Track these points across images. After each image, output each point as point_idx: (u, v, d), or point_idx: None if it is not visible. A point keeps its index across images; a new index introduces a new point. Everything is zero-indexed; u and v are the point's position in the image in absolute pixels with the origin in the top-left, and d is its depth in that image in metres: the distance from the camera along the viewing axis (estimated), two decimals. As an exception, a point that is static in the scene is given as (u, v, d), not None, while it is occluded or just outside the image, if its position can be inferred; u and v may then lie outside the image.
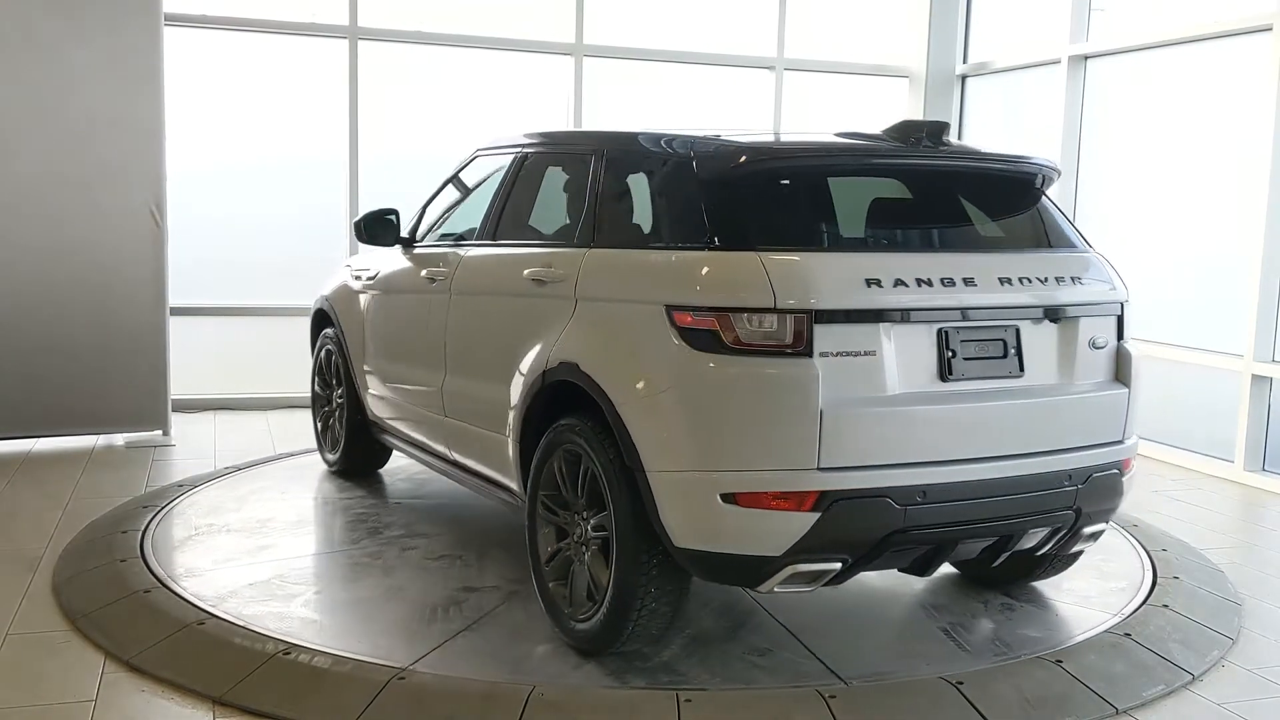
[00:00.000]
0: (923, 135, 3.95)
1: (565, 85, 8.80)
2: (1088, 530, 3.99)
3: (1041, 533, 3.89)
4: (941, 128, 4.02)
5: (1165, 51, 7.71)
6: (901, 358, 3.58)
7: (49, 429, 6.91)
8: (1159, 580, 4.79)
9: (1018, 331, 3.80)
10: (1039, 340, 3.85)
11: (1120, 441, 3.98)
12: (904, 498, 3.50)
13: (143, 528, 5.11)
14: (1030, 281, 3.83)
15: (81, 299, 6.85)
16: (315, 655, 3.81)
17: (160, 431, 7.13)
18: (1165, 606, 4.47)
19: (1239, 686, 3.90)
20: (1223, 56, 7.31)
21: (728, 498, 3.45)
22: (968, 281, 3.70)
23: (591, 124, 8.71)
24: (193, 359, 7.78)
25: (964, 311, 3.70)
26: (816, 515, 3.42)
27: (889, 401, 3.54)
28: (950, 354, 3.67)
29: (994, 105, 9.54)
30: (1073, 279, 3.96)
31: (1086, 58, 8.31)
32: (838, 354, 3.47)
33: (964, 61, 9.61)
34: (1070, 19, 8.32)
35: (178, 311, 7.35)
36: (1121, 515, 5.79)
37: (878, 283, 3.54)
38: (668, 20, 9.24)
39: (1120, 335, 4.07)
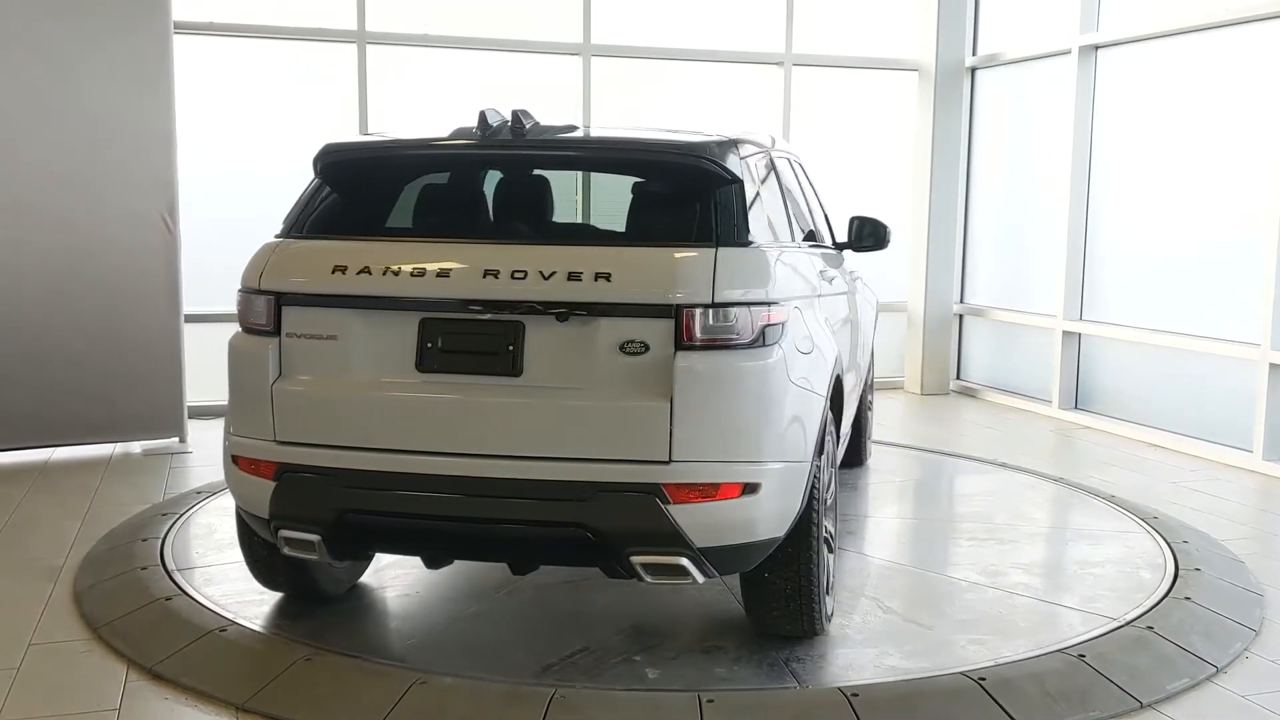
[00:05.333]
0: (487, 124, 3.84)
1: (574, 86, 8.79)
2: (640, 561, 3.48)
3: (554, 548, 3.63)
4: (518, 114, 3.87)
5: (1178, 40, 7.67)
6: (376, 344, 3.66)
7: (66, 438, 6.93)
8: (1180, 572, 4.77)
9: (520, 328, 3.56)
10: (547, 340, 3.55)
11: (665, 463, 3.46)
12: (350, 480, 3.59)
13: (162, 535, 5.13)
14: (525, 275, 3.52)
15: (96, 307, 6.87)
16: (338, 660, 3.82)
17: (177, 439, 7.16)
18: (1187, 599, 4.45)
19: (1263, 678, 3.88)
20: (1236, 44, 7.27)
21: (234, 460, 3.83)
22: (441, 274, 3.60)
23: (600, 124, 8.71)
24: (209, 366, 7.78)
25: (434, 302, 3.60)
26: (274, 484, 3.69)
27: (346, 385, 3.66)
28: (429, 345, 3.61)
29: (1005, 97, 9.50)
30: (598, 275, 3.50)
31: (1097, 48, 8.28)
32: (302, 335, 3.71)
33: (974, 54, 9.58)
34: (1080, 9, 8.29)
35: (192, 319, 7.37)
36: (1141, 507, 5.80)
37: (342, 269, 3.66)
38: (676, 19, 9.24)
39: (682, 344, 3.47)
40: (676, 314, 3.46)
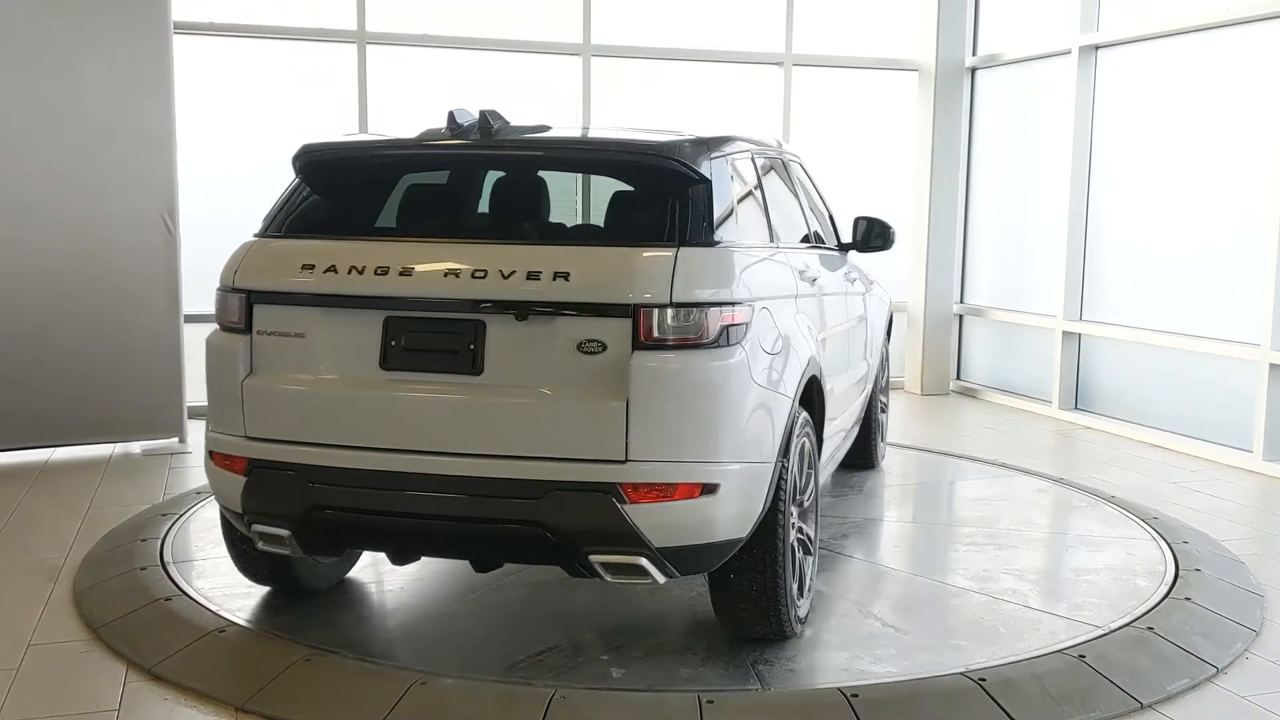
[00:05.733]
0: (456, 125, 3.91)
1: (574, 86, 8.79)
2: (599, 560, 3.51)
3: (514, 546, 3.67)
4: (487, 115, 3.92)
5: (1178, 40, 7.67)
6: (342, 342, 3.71)
7: (66, 438, 6.93)
8: (1180, 573, 4.77)
9: (481, 327, 3.57)
10: (508, 339, 3.56)
11: (621, 462, 3.45)
12: (316, 476, 3.64)
13: (162, 535, 5.12)
14: (486, 274, 3.54)
15: (96, 307, 6.87)
16: (337, 661, 3.81)
17: (177, 439, 7.15)
18: (1187, 599, 4.45)
19: (1263, 678, 3.88)
20: (1236, 45, 7.27)
21: (210, 455, 3.91)
22: (404, 272, 3.62)
23: (600, 124, 8.71)
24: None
25: (397, 301, 3.64)
26: (245, 479, 3.76)
27: (313, 382, 3.72)
28: (392, 344, 3.65)
29: (1005, 97, 9.50)
30: (557, 275, 3.50)
31: (1097, 48, 8.28)
32: (272, 333, 3.77)
33: (974, 54, 9.58)
34: (1080, 9, 8.28)
35: (192, 319, 7.35)
36: (1141, 508, 5.79)
37: (310, 268, 3.71)
38: (676, 19, 9.23)
39: (639, 343, 3.46)
40: (634, 314, 3.46)
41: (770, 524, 3.77)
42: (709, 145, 3.94)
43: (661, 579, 3.58)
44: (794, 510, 4.01)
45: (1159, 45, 7.83)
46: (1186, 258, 7.67)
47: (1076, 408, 8.55)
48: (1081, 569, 4.93)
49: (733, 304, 3.59)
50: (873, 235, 5.49)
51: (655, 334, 3.46)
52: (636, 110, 9.17)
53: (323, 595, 4.44)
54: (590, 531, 3.49)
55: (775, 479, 3.76)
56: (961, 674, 3.74)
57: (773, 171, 4.86)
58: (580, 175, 4.20)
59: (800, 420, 4.02)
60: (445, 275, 3.60)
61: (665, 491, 3.47)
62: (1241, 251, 7.15)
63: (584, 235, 3.95)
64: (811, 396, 4.29)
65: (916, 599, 4.62)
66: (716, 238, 3.73)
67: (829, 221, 5.69)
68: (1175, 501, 6.10)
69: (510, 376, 3.56)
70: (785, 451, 3.84)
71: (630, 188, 4.08)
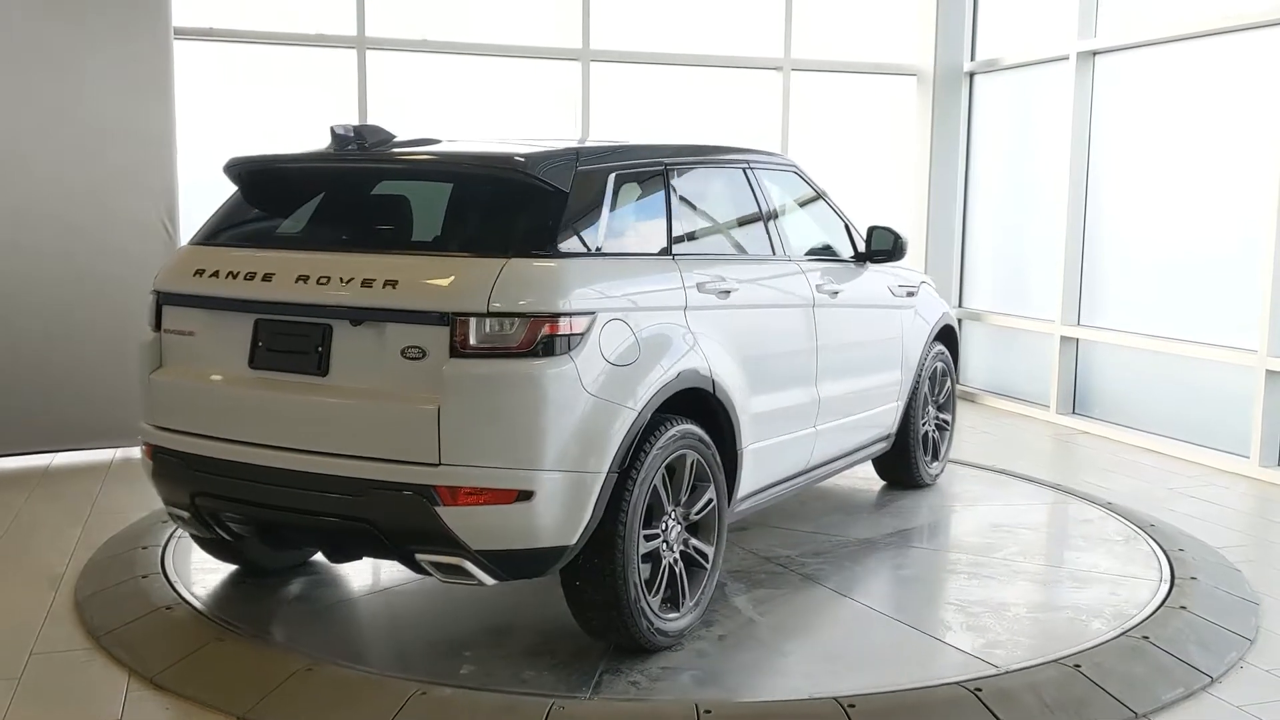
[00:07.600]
0: (336, 139, 4.20)
1: (574, 91, 8.80)
2: (425, 559, 3.69)
3: (351, 541, 3.91)
4: (362, 130, 4.21)
5: (1175, 46, 7.68)
6: (221, 342, 4.03)
7: (67, 443, 6.95)
8: (1176, 581, 4.78)
9: (328, 331, 3.80)
10: (349, 343, 3.77)
11: (433, 465, 3.57)
12: (194, 464, 4.00)
13: (163, 542, 5.13)
14: (328, 281, 3.78)
15: (96, 311, 6.88)
16: (338, 671, 3.83)
17: (177, 444, 7.16)
18: (1183, 608, 4.47)
19: (1258, 687, 3.90)
20: (1233, 51, 7.29)
21: (141, 443, 4.25)
22: (266, 277, 3.92)
23: (599, 130, 8.73)
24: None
25: (260, 304, 3.91)
26: (152, 464, 4.18)
27: (198, 377, 4.06)
28: (259, 344, 3.94)
29: (1003, 103, 9.52)
30: (387, 283, 3.68)
31: (1095, 54, 8.30)
32: (173, 332, 4.15)
33: (972, 59, 9.60)
34: (1078, 15, 8.30)
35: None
36: (1138, 514, 5.80)
37: (200, 273, 4.08)
38: (676, 24, 9.24)
39: (456, 350, 3.57)
40: (450, 322, 3.58)
41: (609, 534, 3.77)
42: (576, 157, 4.03)
43: (488, 581, 3.71)
44: (674, 525, 4.05)
45: (1156, 51, 7.85)
46: (1184, 263, 7.69)
47: (1074, 412, 8.57)
48: (1044, 605, 4.67)
49: (564, 314, 3.63)
50: (881, 244, 5.54)
51: (471, 342, 3.57)
52: (636, 115, 9.18)
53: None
54: (408, 531, 3.67)
55: (609, 489, 3.73)
56: (957, 683, 3.76)
57: (711, 182, 4.85)
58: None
59: (674, 434, 3.96)
60: (297, 281, 3.84)
61: (479, 495, 3.58)
62: (1239, 257, 7.17)
63: (426, 245, 4.06)
64: (714, 411, 4.25)
65: (827, 622, 4.43)
66: (565, 249, 3.80)
67: (844, 232, 5.65)
68: (1172, 507, 6.12)
69: (350, 379, 3.77)
70: (627, 463, 3.78)
71: (476, 198, 4.12)
